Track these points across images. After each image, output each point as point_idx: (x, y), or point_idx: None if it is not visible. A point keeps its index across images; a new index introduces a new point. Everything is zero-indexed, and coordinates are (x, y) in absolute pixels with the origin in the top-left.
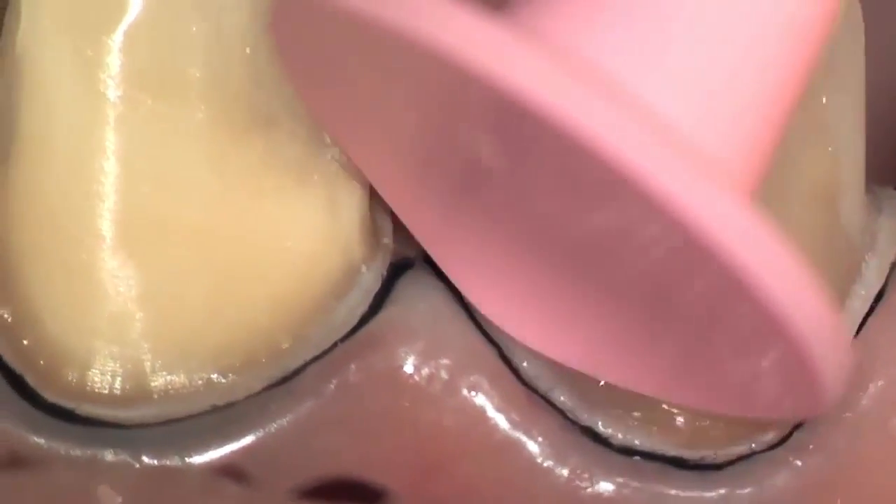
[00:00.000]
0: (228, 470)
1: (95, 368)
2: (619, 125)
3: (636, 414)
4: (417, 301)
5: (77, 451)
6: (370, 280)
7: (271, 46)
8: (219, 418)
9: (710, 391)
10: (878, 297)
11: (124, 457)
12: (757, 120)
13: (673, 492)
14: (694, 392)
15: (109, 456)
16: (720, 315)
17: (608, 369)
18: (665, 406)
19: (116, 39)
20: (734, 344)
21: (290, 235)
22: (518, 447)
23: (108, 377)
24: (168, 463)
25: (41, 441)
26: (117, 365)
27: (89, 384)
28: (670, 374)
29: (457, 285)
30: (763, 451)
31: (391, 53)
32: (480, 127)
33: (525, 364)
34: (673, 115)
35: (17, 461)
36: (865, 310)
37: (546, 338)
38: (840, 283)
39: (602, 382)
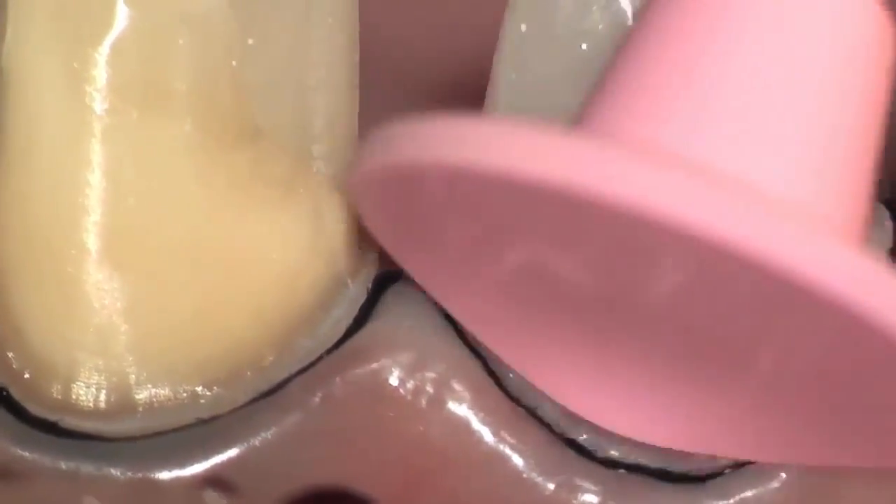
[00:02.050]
0: (214, 481)
1: (80, 381)
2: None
3: None
4: (403, 314)
5: (61, 465)
6: (355, 292)
7: (358, 208)
8: (203, 431)
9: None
10: None
11: (108, 470)
12: (856, 170)
13: None
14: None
15: (93, 469)
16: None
17: (733, 447)
18: None
19: (103, 52)
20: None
21: (275, 248)
22: (503, 460)
23: (93, 390)
24: (152, 476)
25: (25, 454)
26: (102, 378)
27: (74, 397)
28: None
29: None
30: (748, 463)
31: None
32: (593, 246)
33: (510, 377)
34: (789, 190)
35: (1, 473)
36: None
37: (659, 428)
38: None
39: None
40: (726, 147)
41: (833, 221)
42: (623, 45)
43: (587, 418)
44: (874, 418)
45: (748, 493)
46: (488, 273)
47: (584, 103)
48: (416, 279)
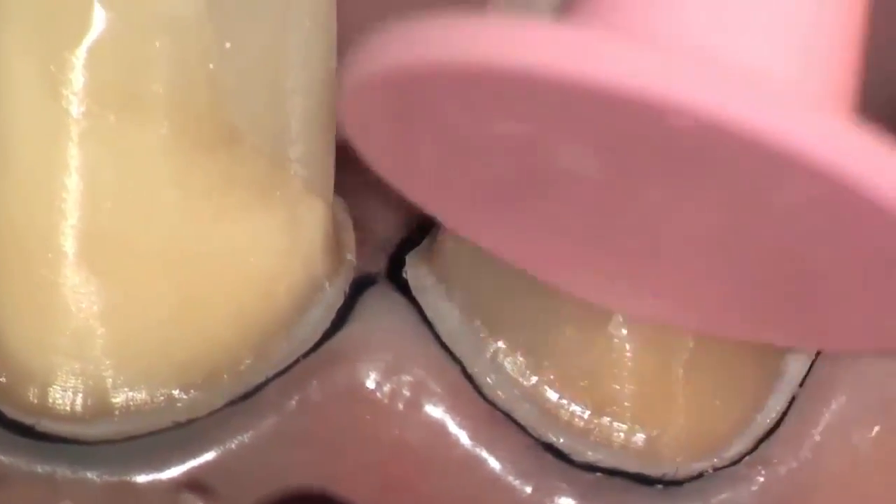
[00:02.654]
0: (192, 484)
1: (57, 385)
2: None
3: (597, 431)
4: (380, 317)
5: (37, 468)
6: (333, 296)
7: (347, 128)
8: (180, 434)
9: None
10: None
11: (84, 473)
12: (845, 47)
13: None
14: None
15: (69, 472)
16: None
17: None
18: (626, 423)
19: (80, 55)
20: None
21: (252, 252)
22: (480, 463)
23: (70, 394)
24: (129, 479)
25: (1, 457)
26: (79, 381)
27: (50, 401)
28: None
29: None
30: (725, 466)
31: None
32: (583, 137)
33: (488, 381)
34: (773, 68)
35: None
36: None
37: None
38: None
39: (564, 401)
40: (711, 29)
41: (821, 95)
42: None
43: (596, 301)
44: (874, 289)
45: (724, 496)
46: (492, 171)
47: None
48: (408, 192)
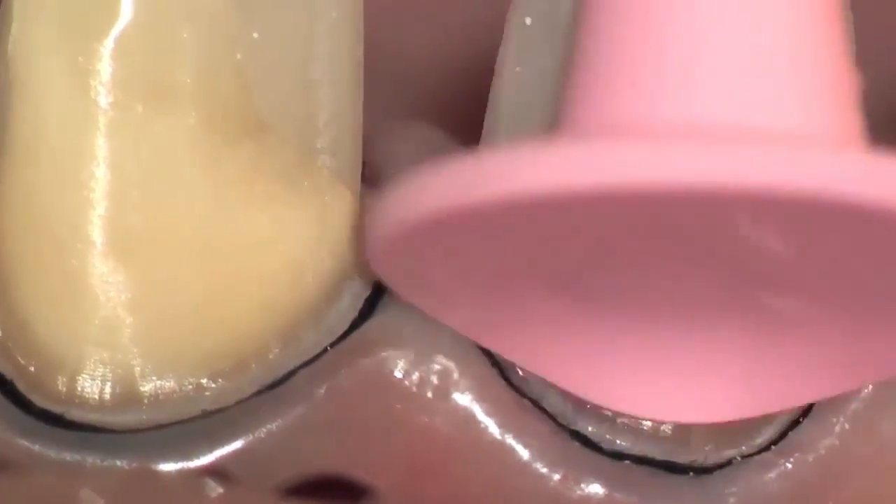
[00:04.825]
0: (213, 471)
1: (85, 374)
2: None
3: (625, 419)
4: (408, 307)
5: (66, 456)
6: (361, 285)
7: (384, 277)
8: (208, 423)
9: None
10: None
11: (112, 462)
12: (837, 83)
13: (662, 495)
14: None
15: (98, 461)
16: None
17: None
18: None
19: (108, 46)
20: None
21: (280, 241)
22: (508, 452)
23: (98, 382)
24: (157, 468)
25: (31, 446)
26: (107, 370)
27: (79, 389)
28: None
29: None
30: (753, 454)
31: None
32: (642, 233)
33: (516, 369)
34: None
35: (5, 465)
36: None
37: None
38: None
39: None
40: (721, 101)
41: (837, 137)
42: (579, 36)
43: (631, 412)
44: None
45: (754, 484)
46: (535, 287)
47: (564, 102)
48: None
